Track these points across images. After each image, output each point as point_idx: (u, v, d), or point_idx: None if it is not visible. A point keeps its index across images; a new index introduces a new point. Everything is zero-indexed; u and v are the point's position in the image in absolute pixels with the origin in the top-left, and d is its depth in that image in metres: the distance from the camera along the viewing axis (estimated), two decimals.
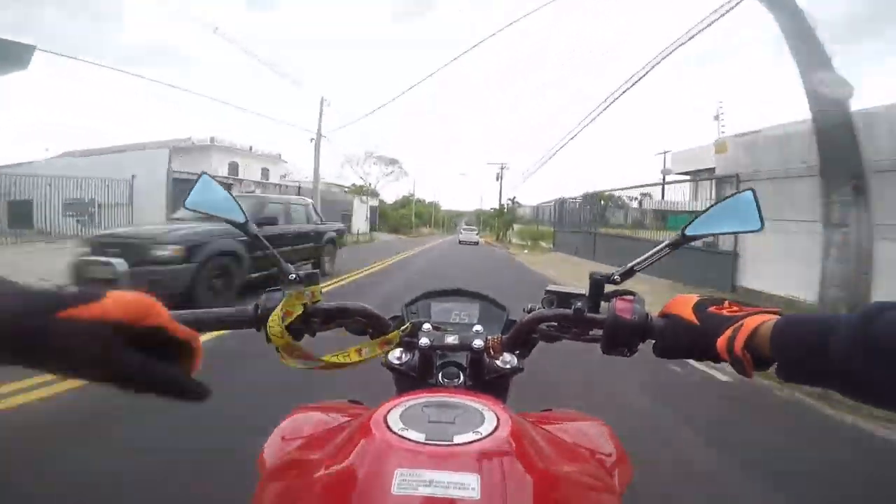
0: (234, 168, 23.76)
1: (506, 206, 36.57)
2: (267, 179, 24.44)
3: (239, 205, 0.59)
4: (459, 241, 27.95)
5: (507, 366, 0.61)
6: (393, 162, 42.14)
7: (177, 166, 14.27)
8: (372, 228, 32.51)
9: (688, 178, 13.03)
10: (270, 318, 0.51)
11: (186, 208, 0.58)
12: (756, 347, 0.41)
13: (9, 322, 0.29)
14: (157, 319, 0.36)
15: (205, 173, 0.59)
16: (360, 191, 32.95)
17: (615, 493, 0.48)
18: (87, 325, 0.31)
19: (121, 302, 0.33)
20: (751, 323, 0.42)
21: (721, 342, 0.43)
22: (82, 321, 0.31)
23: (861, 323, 0.34)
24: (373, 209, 35.13)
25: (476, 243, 27.68)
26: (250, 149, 25.67)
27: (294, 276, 0.57)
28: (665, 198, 12.61)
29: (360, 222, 29.28)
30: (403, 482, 0.34)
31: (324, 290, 0.59)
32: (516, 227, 30.69)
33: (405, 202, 53.49)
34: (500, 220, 36.47)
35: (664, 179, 18.57)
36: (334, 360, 0.53)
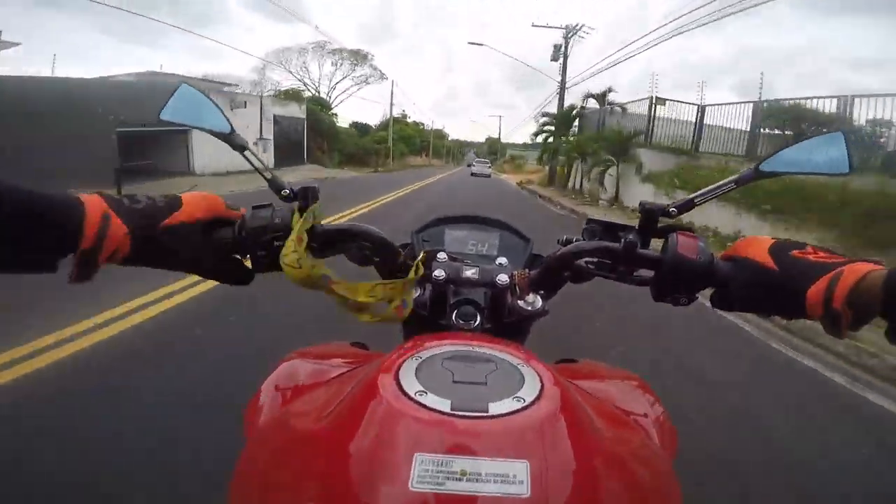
0: None
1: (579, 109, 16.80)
2: None
3: (224, 114, 0.51)
4: (472, 174, 29.55)
5: (531, 308, 0.52)
6: (359, 57, 29.98)
7: None
8: (299, 157, 20.43)
9: None
10: (284, 249, 0.44)
11: (162, 120, 0.51)
12: (861, 301, 0.34)
13: (130, 238, 0.38)
14: (219, 210, 0.45)
15: (184, 83, 0.52)
16: (290, 96, 22.39)
17: (669, 463, 0.41)
18: (184, 227, 0.42)
19: (194, 203, 0.43)
20: (854, 271, 0.35)
21: (814, 294, 0.36)
22: (176, 226, 0.41)
23: None
24: (294, 123, 20.34)
25: (488, 176, 29.76)
26: None
27: (288, 191, 0.49)
28: None
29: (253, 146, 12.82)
30: (425, 473, 0.26)
31: None
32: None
33: (399, 126, 43.63)
34: (568, 141, 15.73)
35: None
36: (342, 291, 0.45)
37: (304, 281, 0.43)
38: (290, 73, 29.03)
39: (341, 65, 31.93)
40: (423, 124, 59.42)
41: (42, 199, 0.34)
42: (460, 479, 0.26)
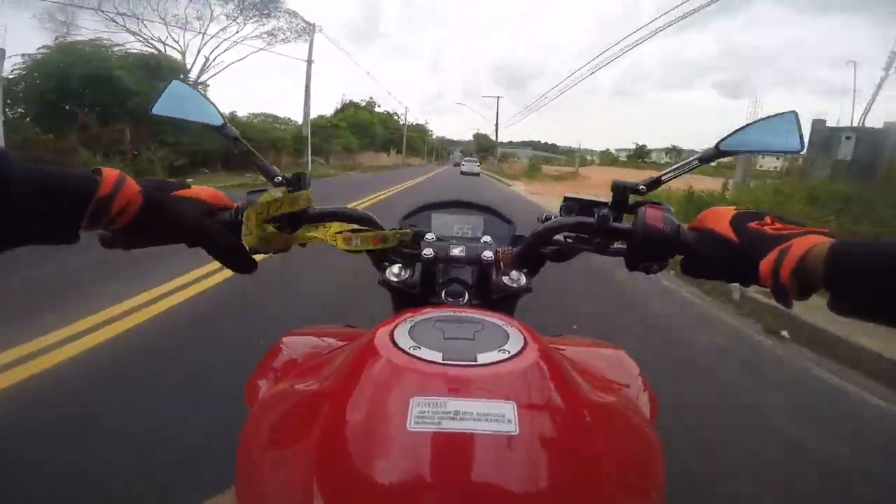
0: None
1: None
2: None
3: (215, 107, 0.55)
4: (461, 173, 29.76)
5: (516, 284, 0.55)
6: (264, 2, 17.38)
7: None
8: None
9: None
10: (245, 214, 0.47)
11: (154, 115, 0.52)
12: (806, 273, 0.35)
13: (143, 196, 0.41)
14: (220, 198, 0.49)
15: (174, 80, 0.55)
16: None
17: (649, 424, 0.43)
18: (189, 200, 0.46)
19: (199, 188, 0.48)
20: (801, 244, 0.36)
21: (765, 265, 0.38)
22: (184, 198, 0.46)
23: None
24: None
25: (477, 174, 29.00)
26: None
27: (280, 178, 0.53)
28: None
29: None
30: (421, 414, 0.28)
31: None
32: None
33: (357, 110, 37.22)
34: None
35: None
36: (318, 235, 0.50)
37: (258, 241, 0.47)
38: (116, 22, 15.93)
39: (237, 17, 18.54)
40: (397, 115, 50.67)
41: (58, 171, 0.37)
42: (454, 419, 0.28)
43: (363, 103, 45.03)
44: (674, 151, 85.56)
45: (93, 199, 0.37)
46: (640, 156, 76.89)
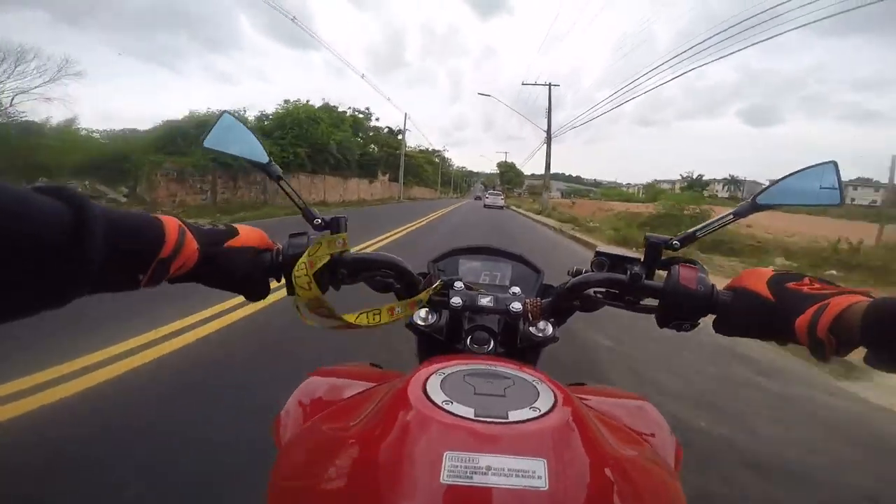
0: None
1: None
2: None
3: (262, 145, 0.56)
4: (485, 206, 29.11)
5: (542, 334, 0.55)
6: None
7: None
8: None
9: None
10: (296, 268, 0.47)
11: (205, 148, 0.53)
12: (842, 330, 0.37)
13: (199, 254, 0.43)
14: (265, 240, 0.51)
15: (226, 112, 0.55)
16: None
17: (675, 476, 0.43)
18: (239, 251, 0.47)
19: (247, 232, 0.49)
20: (839, 302, 0.38)
21: (801, 322, 0.39)
22: (235, 249, 0.47)
23: None
24: None
25: (501, 208, 28.08)
26: None
27: (319, 220, 0.54)
28: None
29: None
30: (454, 468, 0.29)
31: None
32: None
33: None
34: None
35: None
36: (364, 320, 0.50)
37: (312, 302, 0.47)
38: None
39: None
40: (396, 131, 34.32)
41: (129, 217, 0.38)
42: (486, 474, 0.29)
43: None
44: (732, 183, 73.76)
45: (156, 257, 0.39)
46: (692, 186, 64.07)
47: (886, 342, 0.35)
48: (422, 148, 50.18)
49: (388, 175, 31.75)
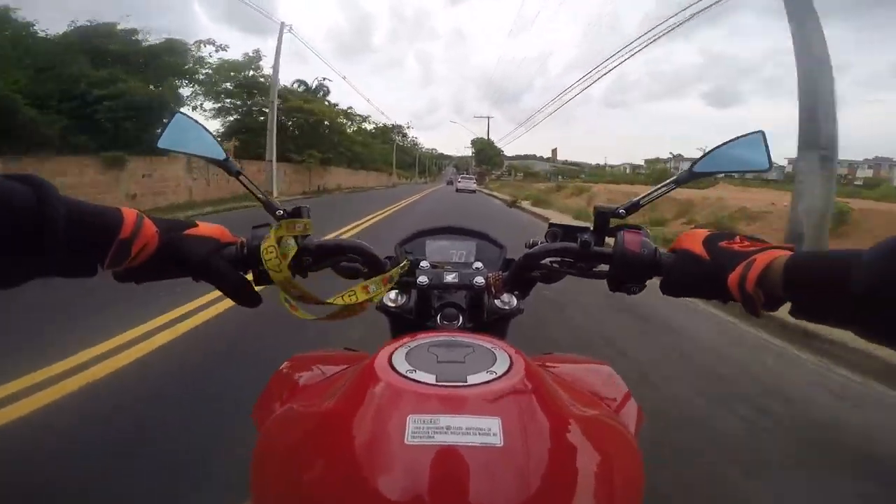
0: None
1: None
2: None
3: (218, 141, 0.56)
4: (457, 190, 28.19)
5: (507, 307, 0.59)
6: None
7: None
8: None
9: None
10: (264, 251, 0.48)
11: (160, 148, 0.54)
12: (769, 284, 0.39)
13: (159, 237, 0.45)
14: (226, 234, 0.52)
15: (178, 111, 0.56)
16: None
17: (632, 437, 0.45)
18: (200, 238, 0.49)
19: (206, 225, 0.50)
20: (763, 259, 0.40)
21: (733, 279, 0.42)
22: (194, 236, 0.49)
23: (883, 256, 0.32)
24: None
25: (474, 191, 26.92)
26: None
27: (281, 211, 0.54)
28: None
29: None
30: (417, 430, 0.31)
31: None
32: None
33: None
34: None
35: None
36: (340, 301, 0.51)
37: (284, 283, 0.49)
38: None
39: None
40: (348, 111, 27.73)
41: (89, 206, 0.40)
42: (445, 433, 0.31)
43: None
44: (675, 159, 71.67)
45: (115, 239, 0.40)
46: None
47: (807, 295, 0.37)
48: (377, 125, 39.71)
49: (324, 153, 21.04)
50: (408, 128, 61.12)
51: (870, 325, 0.33)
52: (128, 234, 0.41)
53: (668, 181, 0.55)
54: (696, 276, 0.46)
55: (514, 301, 0.59)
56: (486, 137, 61.36)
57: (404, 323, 0.59)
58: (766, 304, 0.40)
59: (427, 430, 0.31)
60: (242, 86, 18.28)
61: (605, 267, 0.52)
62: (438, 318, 0.57)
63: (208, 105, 17.39)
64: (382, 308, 0.59)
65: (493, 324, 0.58)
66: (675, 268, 0.47)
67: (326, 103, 24.28)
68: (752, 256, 0.41)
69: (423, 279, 0.56)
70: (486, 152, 61.06)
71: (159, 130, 0.54)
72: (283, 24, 16.32)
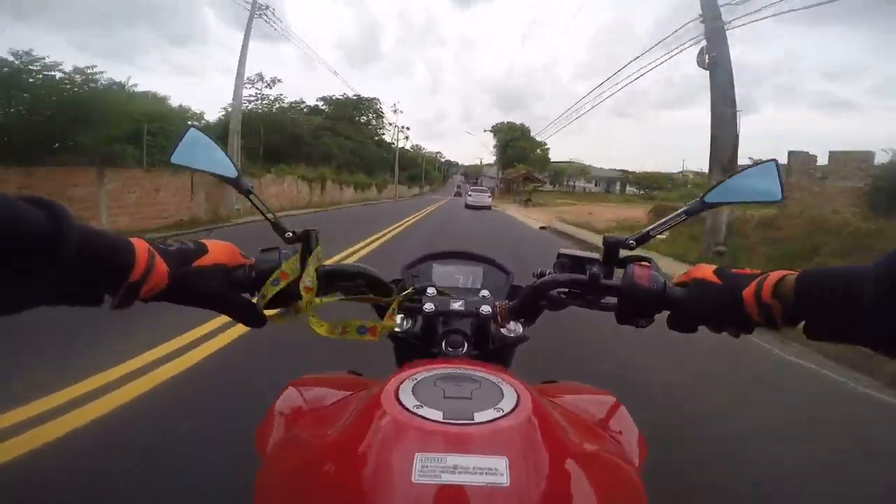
0: None
1: None
2: None
3: (231, 159, 0.56)
4: (467, 205, 23.59)
5: (513, 334, 0.59)
6: None
7: None
8: None
9: None
10: (305, 274, 0.51)
11: (173, 163, 0.54)
12: (782, 297, 0.41)
13: (169, 277, 0.44)
14: (236, 256, 0.51)
15: (192, 126, 0.56)
16: None
17: (636, 471, 0.45)
18: (209, 269, 0.47)
19: (218, 249, 0.49)
20: (775, 275, 0.42)
21: (748, 292, 0.43)
22: (205, 268, 0.47)
23: (892, 266, 0.32)
24: None
25: (488, 207, 22.88)
26: None
27: (290, 234, 0.55)
28: None
29: None
30: (425, 468, 0.31)
31: None
32: None
33: None
34: None
35: None
36: (353, 330, 0.53)
37: (311, 307, 0.51)
38: None
39: None
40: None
41: (102, 237, 0.38)
42: (453, 473, 0.31)
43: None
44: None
45: (124, 283, 0.39)
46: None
47: (817, 307, 0.39)
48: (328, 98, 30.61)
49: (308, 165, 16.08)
50: (404, 129, 50.17)
51: (883, 337, 0.33)
52: (138, 278, 0.40)
53: (679, 211, 0.55)
54: (711, 300, 0.46)
55: (520, 329, 0.59)
56: (516, 123, 40.35)
57: (409, 347, 0.59)
58: (782, 318, 0.41)
59: (434, 468, 0.31)
60: None
61: (613, 299, 0.52)
62: (444, 344, 0.57)
63: None
64: (389, 333, 0.59)
65: (499, 351, 0.58)
66: (689, 296, 0.48)
67: None
68: (764, 274, 0.43)
69: (429, 306, 0.56)
70: (515, 146, 37.88)
71: (174, 145, 0.54)
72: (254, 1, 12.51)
